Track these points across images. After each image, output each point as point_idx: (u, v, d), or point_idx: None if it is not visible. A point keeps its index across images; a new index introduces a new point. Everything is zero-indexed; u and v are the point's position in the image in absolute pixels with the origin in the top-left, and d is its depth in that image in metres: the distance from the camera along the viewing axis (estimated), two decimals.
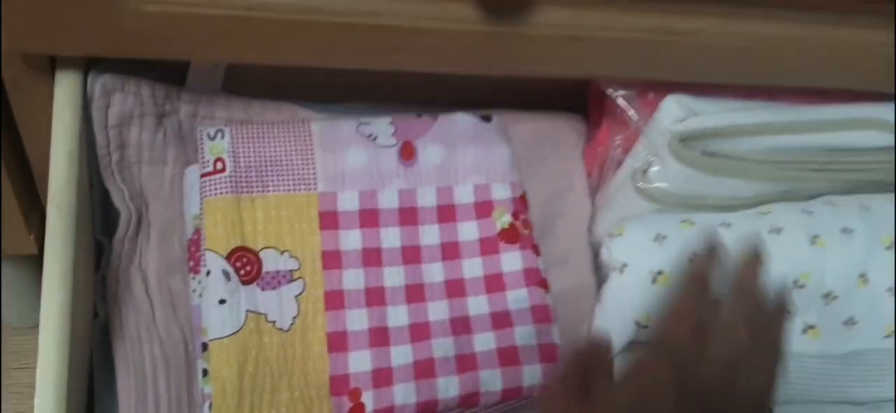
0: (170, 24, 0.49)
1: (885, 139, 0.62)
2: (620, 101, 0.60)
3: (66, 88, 0.55)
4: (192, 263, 0.59)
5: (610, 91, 0.60)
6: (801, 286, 0.59)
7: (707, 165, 0.59)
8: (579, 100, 0.70)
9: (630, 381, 0.44)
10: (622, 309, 0.60)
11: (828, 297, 0.59)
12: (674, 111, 0.59)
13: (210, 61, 0.58)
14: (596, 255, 0.68)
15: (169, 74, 0.61)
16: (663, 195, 0.62)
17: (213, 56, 0.52)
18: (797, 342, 0.60)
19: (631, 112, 0.59)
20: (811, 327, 0.60)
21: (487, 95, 0.68)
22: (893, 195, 0.63)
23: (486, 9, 0.51)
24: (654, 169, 0.61)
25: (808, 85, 0.59)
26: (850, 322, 0.60)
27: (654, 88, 0.61)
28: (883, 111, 0.62)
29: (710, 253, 0.48)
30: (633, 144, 0.63)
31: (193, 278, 0.59)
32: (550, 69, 0.55)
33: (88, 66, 0.57)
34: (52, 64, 0.55)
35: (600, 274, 0.66)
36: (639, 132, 0.62)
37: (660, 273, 0.59)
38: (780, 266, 0.58)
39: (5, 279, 0.77)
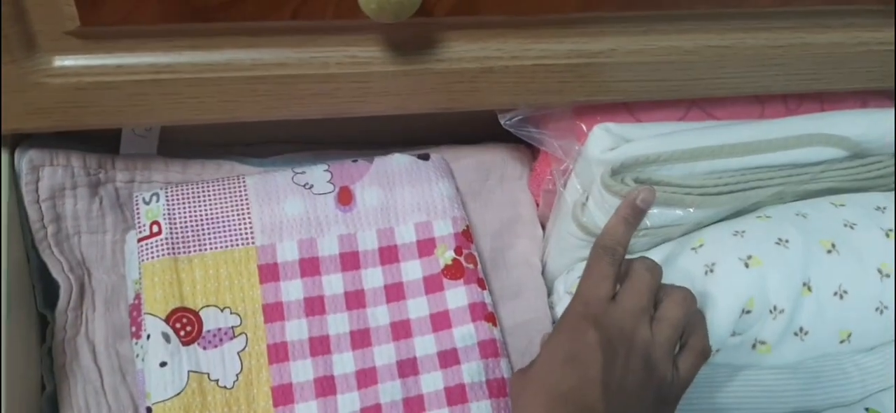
0: (78, 95, 0.50)
1: (829, 153, 0.61)
2: (534, 134, 0.59)
3: None
4: (134, 329, 0.60)
5: (501, 119, 0.59)
6: (748, 312, 0.57)
7: None
8: None
9: (561, 335, 0.50)
10: None
11: (774, 311, 0.57)
12: (602, 140, 0.58)
13: (125, 126, 0.59)
14: (550, 289, 0.67)
15: (105, 142, 0.61)
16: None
17: (128, 121, 0.52)
18: (748, 357, 0.59)
19: (553, 144, 0.59)
20: (762, 343, 0.59)
21: (431, 131, 0.68)
22: (832, 198, 0.62)
23: (391, 47, 0.51)
24: (590, 202, 0.60)
25: (732, 94, 0.58)
26: (800, 332, 0.58)
27: (583, 113, 0.60)
28: (824, 124, 0.60)
29: (627, 220, 0.53)
30: (568, 174, 0.63)
31: (136, 343, 0.59)
32: (467, 103, 0.55)
33: (16, 142, 0.57)
34: None
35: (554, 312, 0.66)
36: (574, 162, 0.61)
37: None
38: (724, 300, 0.57)
39: None
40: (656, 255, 0.60)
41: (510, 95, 0.55)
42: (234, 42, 0.51)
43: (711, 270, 0.57)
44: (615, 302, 0.50)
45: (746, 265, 0.56)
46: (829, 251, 0.58)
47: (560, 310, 0.64)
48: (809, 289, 0.57)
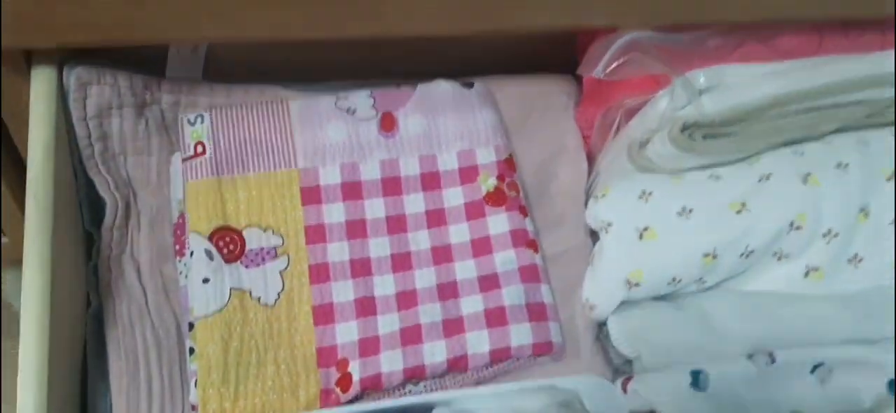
0: (133, 7, 0.49)
1: None
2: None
3: (41, 82, 0.56)
4: (177, 247, 0.60)
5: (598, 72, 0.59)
6: (798, 228, 0.56)
7: (709, 151, 0.57)
8: (568, 57, 0.68)
9: None
10: (611, 268, 0.59)
11: (828, 235, 0.56)
12: (678, 97, 0.58)
13: (177, 42, 0.59)
14: None
15: (149, 66, 0.62)
16: (658, 168, 0.60)
17: (178, 35, 0.52)
18: (800, 285, 0.58)
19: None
20: (815, 269, 0.57)
21: (470, 65, 0.67)
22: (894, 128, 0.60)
23: None
24: (650, 147, 0.59)
25: (795, 17, 0.56)
26: (855, 259, 0.57)
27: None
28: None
29: None
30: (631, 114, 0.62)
31: (179, 261, 0.60)
32: (540, 20, 0.53)
33: (63, 60, 0.58)
34: (28, 60, 0.56)
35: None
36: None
37: (646, 229, 0.57)
38: (774, 210, 0.56)
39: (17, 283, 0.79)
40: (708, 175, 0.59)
41: (589, 14, 0.53)
42: None
43: (766, 179, 0.56)
44: None
45: (805, 181, 0.55)
46: (889, 179, 0.56)
47: (603, 239, 0.62)
48: (867, 215, 0.55)
